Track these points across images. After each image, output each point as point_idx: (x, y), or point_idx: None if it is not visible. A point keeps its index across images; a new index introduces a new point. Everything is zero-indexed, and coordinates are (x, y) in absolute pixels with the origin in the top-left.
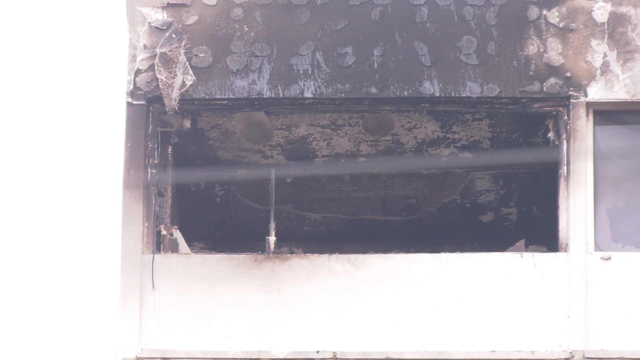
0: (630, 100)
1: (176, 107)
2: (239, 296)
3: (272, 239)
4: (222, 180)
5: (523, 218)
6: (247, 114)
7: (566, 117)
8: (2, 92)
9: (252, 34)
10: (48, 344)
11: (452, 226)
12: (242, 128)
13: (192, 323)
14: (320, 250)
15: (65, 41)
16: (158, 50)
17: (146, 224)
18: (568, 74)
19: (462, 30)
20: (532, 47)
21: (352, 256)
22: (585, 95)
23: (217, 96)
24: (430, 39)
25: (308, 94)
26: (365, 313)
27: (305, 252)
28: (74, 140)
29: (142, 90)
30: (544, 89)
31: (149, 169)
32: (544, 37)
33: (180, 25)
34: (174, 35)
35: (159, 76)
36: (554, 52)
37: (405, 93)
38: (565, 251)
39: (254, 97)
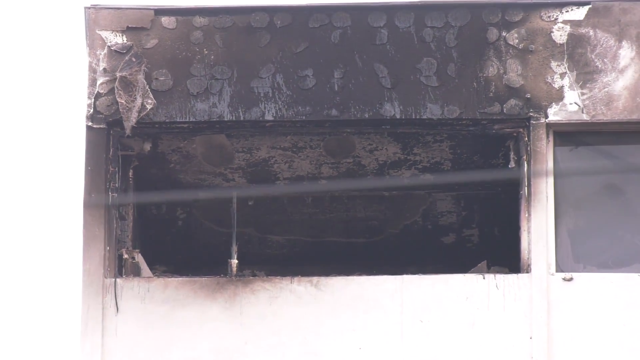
0: (589, 121)
1: (135, 130)
2: (201, 319)
3: (234, 262)
4: (183, 203)
5: (485, 239)
6: (208, 137)
7: (526, 139)
8: None
9: (212, 57)
10: None
11: (414, 248)
12: (203, 151)
13: (155, 346)
14: (283, 273)
15: (25, 65)
16: (118, 74)
17: (107, 248)
18: (528, 95)
19: (422, 52)
20: (492, 69)
21: (315, 278)
22: (546, 116)
23: (178, 119)
24: (390, 61)
25: (269, 117)
26: (329, 335)
27: (267, 274)
28: (35, 164)
29: (102, 114)
30: (504, 110)
31: (110, 193)
32: (503, 58)
33: (140, 49)
34: (133, 59)
35: (119, 100)
36: (514, 73)
37: (366, 115)
38: (527, 272)
39: (214, 120)
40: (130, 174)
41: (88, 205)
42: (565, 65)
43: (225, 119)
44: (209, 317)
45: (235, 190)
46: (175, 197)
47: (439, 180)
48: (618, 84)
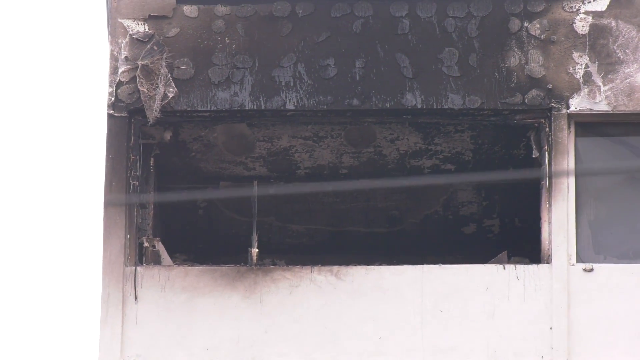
0: (611, 112)
1: (157, 118)
2: (221, 308)
3: (254, 250)
4: (204, 193)
5: (505, 230)
6: (229, 126)
7: (548, 129)
8: None
9: (234, 45)
10: (30, 355)
11: (435, 238)
12: (224, 140)
13: (175, 335)
14: (303, 262)
15: (48, 54)
16: (140, 62)
17: (128, 236)
18: (549, 86)
19: (443, 42)
20: (513, 59)
21: (335, 268)
22: (567, 107)
23: (199, 108)
24: (412, 50)
25: (290, 106)
26: (348, 324)
27: (287, 263)
28: (56, 153)
29: (123, 102)
30: (526, 100)
31: (131, 181)
32: (525, 49)
33: (161, 37)
34: (155, 47)
35: (140, 88)
36: (536, 64)
37: (387, 105)
38: (548, 263)
39: (235, 109)
40: (151, 162)
41: (109, 194)
42: (587, 56)
43: (247, 108)
44: (229, 305)
45: (255, 180)
46: (196, 186)
47: (460, 170)
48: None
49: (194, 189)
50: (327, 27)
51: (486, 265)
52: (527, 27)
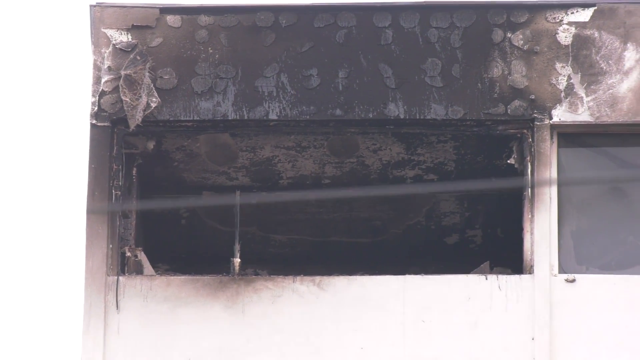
0: (594, 123)
1: (140, 127)
2: (203, 318)
3: (237, 260)
4: (186, 202)
5: (488, 240)
6: (212, 136)
7: (530, 140)
8: None
9: (217, 55)
10: None
11: (417, 248)
12: (207, 150)
13: (157, 345)
14: (286, 272)
15: (30, 63)
16: (122, 72)
17: (110, 246)
18: (532, 97)
19: (426, 53)
20: (496, 70)
21: (317, 278)
22: (550, 117)
23: (182, 118)
24: (395, 61)
25: (273, 116)
26: (331, 334)
27: (270, 273)
28: (39, 162)
29: (106, 112)
30: (509, 111)
31: (113, 191)
32: (508, 59)
33: (144, 47)
34: (138, 57)
35: (123, 98)
36: (519, 74)
37: (370, 115)
38: (530, 273)
39: (218, 119)
40: (134, 172)
41: (91, 203)
42: (570, 67)
43: (230, 118)
44: (211, 315)
45: (238, 190)
46: (179, 196)
47: (443, 180)
48: (623, 85)
49: (177, 199)
50: (310, 37)
51: (468, 275)
52: (510, 38)
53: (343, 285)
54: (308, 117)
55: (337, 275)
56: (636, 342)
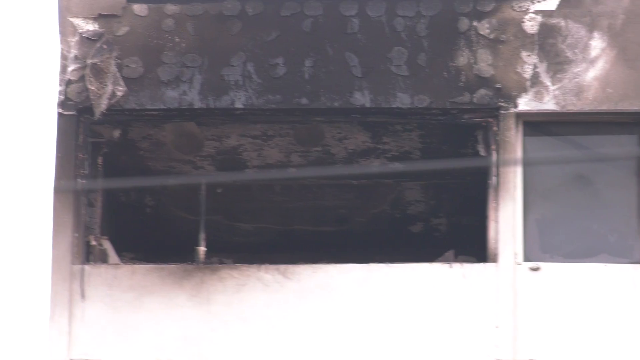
0: (559, 112)
1: (105, 116)
2: (168, 306)
3: (202, 249)
4: (152, 190)
5: (453, 228)
6: (178, 125)
7: (496, 128)
8: None
9: (184, 44)
10: None
11: (383, 237)
12: (173, 139)
13: (122, 333)
14: (251, 261)
15: None
16: (89, 61)
17: (76, 234)
18: (498, 85)
19: (393, 42)
20: (462, 59)
21: (282, 266)
22: (515, 106)
23: (148, 107)
24: (361, 50)
25: (239, 105)
26: (295, 323)
27: (235, 262)
28: (5, 151)
29: (72, 101)
30: (474, 100)
31: (79, 180)
32: (474, 48)
33: (111, 36)
34: (105, 46)
35: (89, 87)
36: (484, 63)
37: (336, 104)
38: (494, 262)
39: (185, 107)
40: (100, 161)
41: (57, 192)
42: (536, 56)
43: (196, 107)
44: (176, 304)
45: (204, 178)
46: (145, 184)
47: (409, 168)
48: (588, 74)
49: (143, 188)
50: (277, 26)
51: (433, 264)
52: (476, 27)
53: (308, 273)
54: (274, 105)
55: (302, 264)
56: (599, 329)
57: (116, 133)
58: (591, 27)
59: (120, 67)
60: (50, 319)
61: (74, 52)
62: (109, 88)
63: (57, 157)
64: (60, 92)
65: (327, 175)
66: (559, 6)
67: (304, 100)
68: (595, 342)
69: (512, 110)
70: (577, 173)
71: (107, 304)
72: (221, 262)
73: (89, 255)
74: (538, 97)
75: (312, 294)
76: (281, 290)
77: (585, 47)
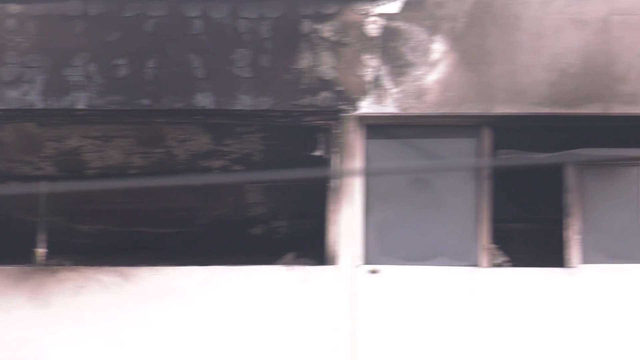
0: (400, 115)
1: None
2: (6, 309)
3: (40, 250)
4: None
5: (293, 231)
6: (19, 125)
7: (337, 131)
8: None
9: (26, 44)
10: None
11: (224, 239)
12: (13, 139)
13: None
14: (91, 263)
15: None
16: None
17: None
18: (340, 88)
19: (236, 43)
20: (304, 61)
21: (121, 268)
22: (357, 109)
23: None
24: (204, 51)
25: (80, 106)
26: (134, 325)
27: (75, 264)
28: None
29: None
30: (316, 102)
31: None
32: (316, 51)
33: None
34: None
35: None
36: (327, 66)
37: (178, 105)
38: (334, 264)
39: (26, 108)
40: None
41: None
42: (378, 59)
43: (37, 107)
44: (14, 306)
45: (43, 180)
46: None
47: (250, 171)
48: (430, 77)
49: None
50: (119, 26)
51: (272, 266)
52: (318, 29)
53: (147, 275)
54: (116, 106)
55: (142, 266)
56: (438, 331)
57: None
58: (433, 31)
59: None
60: None
61: None
62: None
63: None
64: None
65: (167, 183)
66: (402, 9)
67: (146, 102)
68: (434, 344)
69: (354, 113)
70: (416, 176)
71: None
72: (60, 264)
73: None
74: (379, 100)
75: (153, 296)
76: (121, 292)
77: (427, 51)
